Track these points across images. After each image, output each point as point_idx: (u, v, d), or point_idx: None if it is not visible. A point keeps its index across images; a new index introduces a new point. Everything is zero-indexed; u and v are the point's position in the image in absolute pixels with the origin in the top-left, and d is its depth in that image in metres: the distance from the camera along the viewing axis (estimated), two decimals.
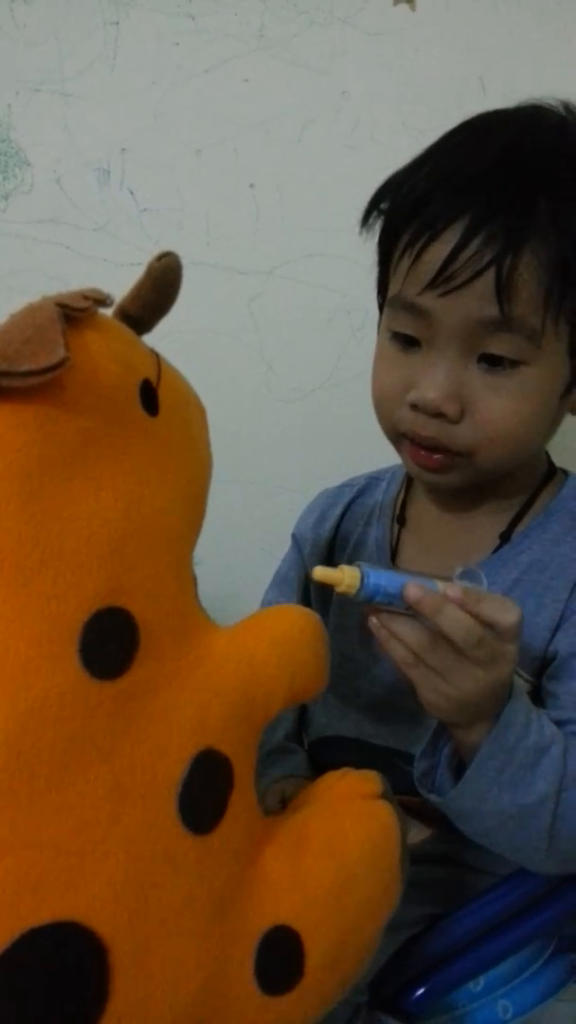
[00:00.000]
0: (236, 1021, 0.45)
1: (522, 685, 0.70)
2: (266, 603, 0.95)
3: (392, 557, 0.81)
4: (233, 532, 1.25)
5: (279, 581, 0.94)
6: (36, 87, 1.14)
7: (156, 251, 1.25)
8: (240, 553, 1.20)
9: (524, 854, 0.64)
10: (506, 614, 0.55)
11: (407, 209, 0.65)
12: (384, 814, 0.54)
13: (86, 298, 0.44)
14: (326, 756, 0.84)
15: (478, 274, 0.60)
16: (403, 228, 0.65)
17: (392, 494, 0.86)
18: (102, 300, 0.45)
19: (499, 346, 0.63)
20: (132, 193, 1.17)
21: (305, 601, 0.90)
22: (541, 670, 0.71)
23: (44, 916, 0.38)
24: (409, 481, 0.85)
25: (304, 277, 1.17)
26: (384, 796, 0.55)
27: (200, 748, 0.45)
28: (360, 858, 0.51)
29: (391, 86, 1.11)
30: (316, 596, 0.88)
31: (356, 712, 0.81)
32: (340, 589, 0.55)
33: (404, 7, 1.09)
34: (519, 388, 0.64)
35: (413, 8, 1.09)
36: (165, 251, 0.52)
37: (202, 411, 0.55)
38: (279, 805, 0.70)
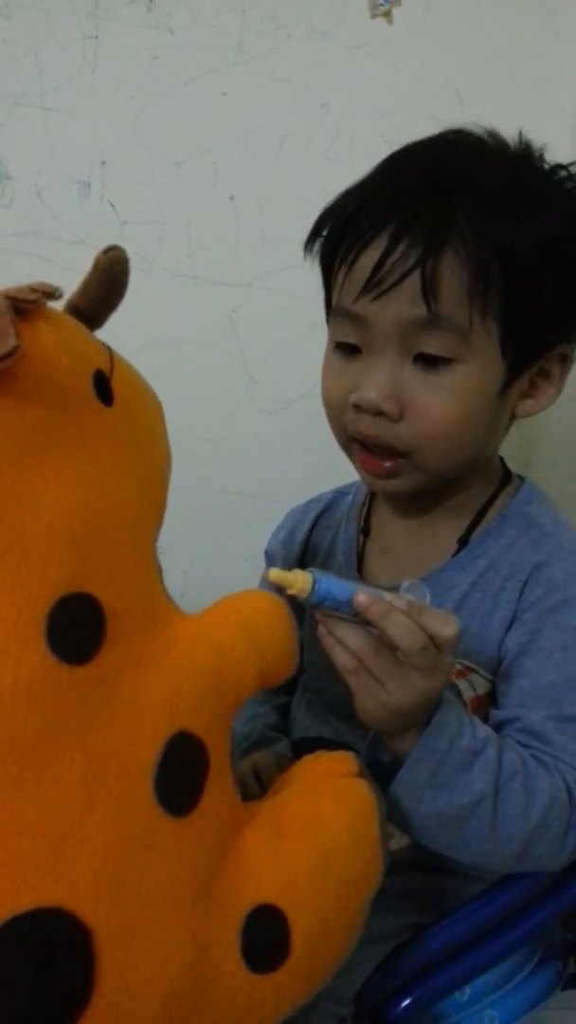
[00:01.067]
0: (226, 1000, 0.45)
1: (478, 682, 0.73)
2: None
3: (358, 565, 0.84)
4: (217, 541, 1.25)
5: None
6: (16, 101, 1.15)
7: (138, 263, 1.25)
8: (225, 562, 1.20)
9: (474, 855, 0.66)
10: (446, 627, 0.58)
11: (340, 227, 0.71)
12: (362, 791, 0.55)
13: (35, 291, 0.45)
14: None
15: (404, 276, 0.64)
16: (338, 244, 0.71)
17: (357, 505, 0.88)
18: (51, 293, 0.46)
19: (431, 344, 0.66)
20: (113, 206, 1.17)
21: None
22: (497, 669, 0.73)
23: (26, 903, 0.38)
24: (372, 494, 0.87)
25: (285, 288, 1.17)
26: (360, 775, 0.56)
27: (174, 731, 0.45)
28: (339, 835, 0.51)
29: (369, 99, 1.11)
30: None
31: (336, 719, 0.82)
32: (291, 592, 0.56)
33: (381, 21, 1.10)
34: (454, 385, 0.67)
35: (390, 22, 1.10)
36: (111, 245, 0.53)
37: (158, 404, 0.55)
38: (253, 779, 0.72)
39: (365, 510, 0.86)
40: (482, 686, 0.73)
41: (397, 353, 0.68)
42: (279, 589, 0.57)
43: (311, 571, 0.57)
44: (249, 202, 1.16)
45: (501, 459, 0.83)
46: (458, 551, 0.77)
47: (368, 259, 0.67)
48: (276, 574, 0.57)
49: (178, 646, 0.48)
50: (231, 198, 1.16)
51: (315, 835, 0.51)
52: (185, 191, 1.16)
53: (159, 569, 0.51)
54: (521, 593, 0.73)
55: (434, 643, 0.57)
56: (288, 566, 0.87)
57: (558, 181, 0.72)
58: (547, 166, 0.73)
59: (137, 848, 0.42)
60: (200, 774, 0.46)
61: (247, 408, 1.23)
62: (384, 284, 0.65)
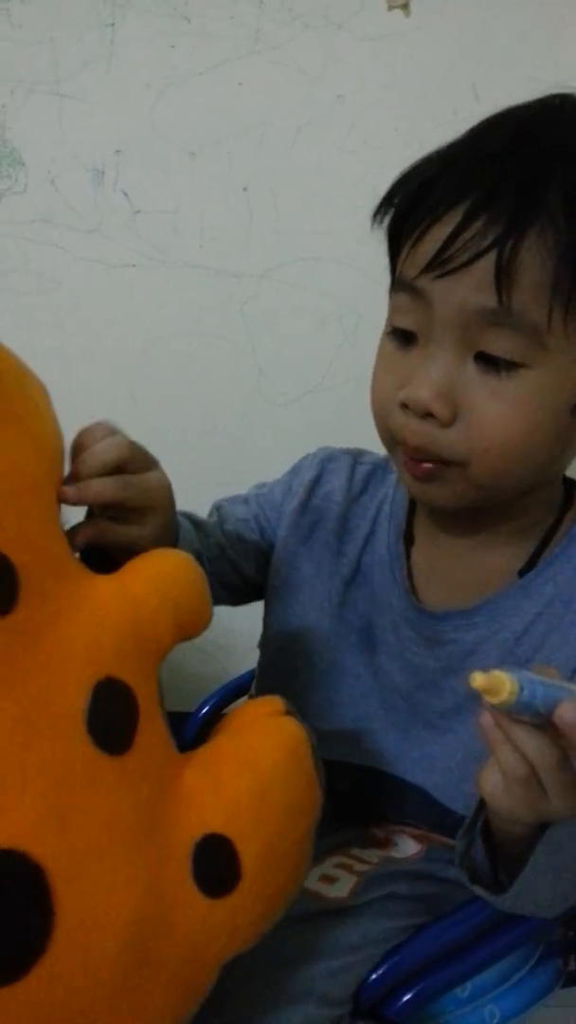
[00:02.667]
0: (184, 926, 0.47)
1: None
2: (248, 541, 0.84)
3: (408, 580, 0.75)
4: None
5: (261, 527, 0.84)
6: (31, 87, 1.14)
7: (150, 253, 1.25)
8: None
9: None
10: None
11: (412, 194, 0.60)
12: (290, 726, 0.57)
13: None
14: None
15: (476, 257, 0.55)
16: (408, 214, 0.61)
17: (401, 501, 0.78)
18: None
19: (497, 344, 0.57)
20: (126, 195, 1.17)
21: (269, 554, 0.83)
22: None
23: None
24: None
25: (297, 280, 1.17)
26: (288, 713, 0.58)
27: (99, 677, 0.48)
28: (274, 766, 0.54)
29: (385, 91, 1.11)
30: (283, 559, 0.81)
31: (333, 725, 0.78)
32: (495, 700, 0.48)
33: (399, 13, 1.09)
34: (520, 394, 0.57)
35: (408, 14, 1.09)
36: None
37: (42, 387, 0.55)
38: None
39: (410, 510, 0.76)
40: None
41: (457, 347, 0.58)
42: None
43: (513, 674, 0.48)
44: (263, 193, 1.15)
45: (565, 478, 0.73)
46: (521, 577, 0.69)
47: (438, 233, 0.57)
48: (481, 681, 0.48)
49: (93, 600, 0.50)
50: (245, 189, 1.15)
51: (250, 769, 0.54)
52: (199, 181, 1.16)
53: (65, 535, 0.53)
54: None
55: None
56: (304, 520, 0.79)
57: None
58: None
59: (77, 787, 0.45)
60: (131, 716, 0.49)
61: (256, 401, 1.22)
62: (452, 263, 0.56)
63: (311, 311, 1.17)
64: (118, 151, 1.16)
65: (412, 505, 0.76)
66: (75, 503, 0.56)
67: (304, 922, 0.65)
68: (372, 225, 0.64)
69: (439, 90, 1.09)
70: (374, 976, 0.70)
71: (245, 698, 1.00)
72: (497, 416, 0.58)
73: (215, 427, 1.24)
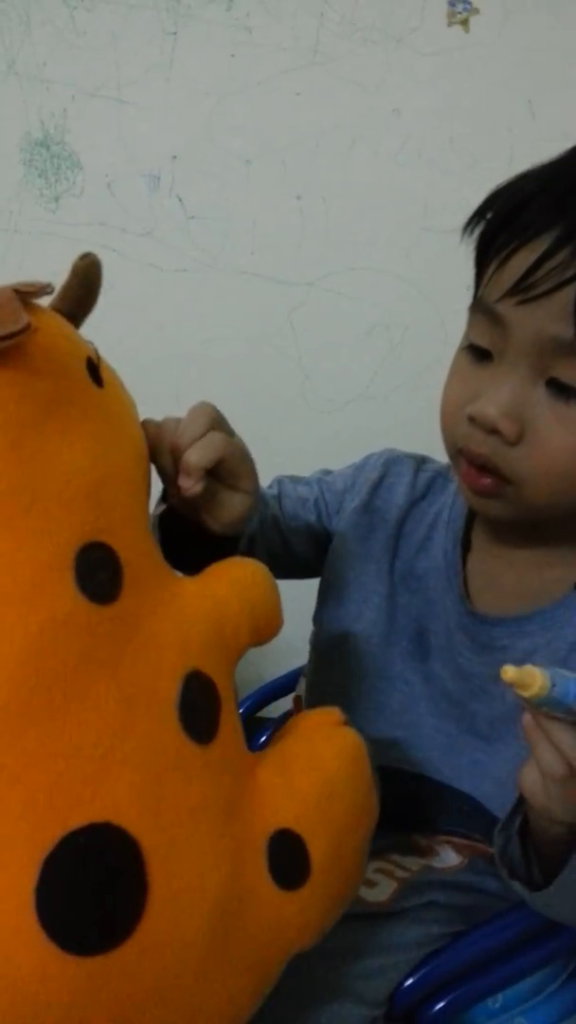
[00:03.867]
0: (259, 915, 0.49)
1: None
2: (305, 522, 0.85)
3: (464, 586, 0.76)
4: None
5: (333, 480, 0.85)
6: (92, 92, 1.17)
7: (202, 258, 1.27)
8: None
9: None
10: None
11: (504, 214, 0.61)
12: (351, 735, 0.59)
13: (31, 285, 0.49)
14: None
15: (559, 287, 0.55)
16: (498, 234, 0.61)
17: (459, 508, 0.79)
18: (43, 288, 0.50)
19: (568, 373, 0.58)
20: (180, 200, 1.19)
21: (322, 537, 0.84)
22: None
23: (79, 819, 0.42)
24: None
25: (346, 290, 1.18)
26: (347, 723, 0.60)
27: (189, 668, 0.50)
28: (339, 770, 0.56)
29: (441, 106, 1.12)
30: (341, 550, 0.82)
31: (382, 730, 0.78)
32: (527, 694, 0.50)
33: (458, 28, 1.10)
34: None
35: (467, 30, 1.10)
36: (86, 252, 0.57)
37: (132, 399, 0.59)
38: None
39: (468, 517, 0.78)
40: None
41: (530, 371, 0.59)
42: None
43: (546, 670, 0.50)
44: (315, 203, 1.16)
45: None
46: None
47: (524, 258, 0.57)
48: (513, 674, 0.50)
49: (182, 598, 0.53)
50: (298, 198, 1.16)
51: (316, 771, 0.55)
52: (253, 189, 1.17)
53: (155, 538, 0.56)
54: None
55: None
56: (364, 520, 0.79)
57: None
58: None
59: (170, 769, 0.47)
60: (215, 709, 0.51)
61: (300, 407, 1.23)
62: (534, 291, 0.57)
63: (358, 320, 1.18)
64: (175, 157, 1.18)
65: (471, 513, 0.76)
66: (198, 463, 0.58)
67: (343, 923, 0.65)
68: (462, 237, 0.65)
69: (495, 107, 1.10)
70: (409, 981, 0.70)
71: (288, 698, 1.01)
72: (561, 441, 0.59)
73: (259, 432, 1.24)
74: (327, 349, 1.21)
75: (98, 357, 0.54)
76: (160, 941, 0.43)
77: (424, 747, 0.70)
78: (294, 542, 0.82)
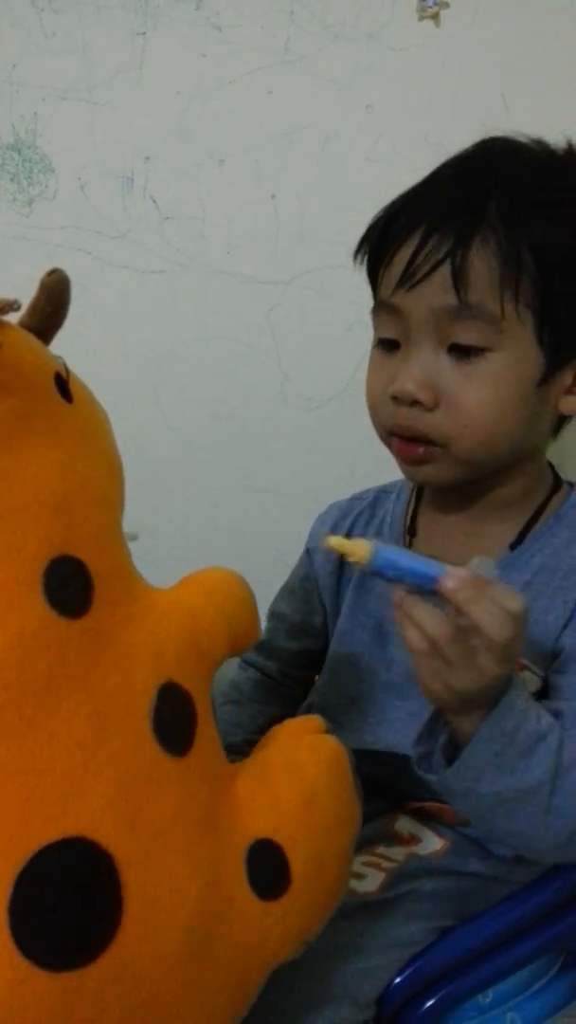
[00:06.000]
0: (240, 925, 0.49)
1: (530, 679, 0.73)
2: (276, 614, 0.96)
3: None
4: (245, 537, 1.26)
5: (287, 592, 0.96)
6: (63, 95, 1.16)
7: (177, 259, 1.26)
8: (253, 558, 1.20)
9: (521, 839, 0.67)
10: (513, 601, 0.57)
11: (380, 229, 0.74)
12: (332, 743, 0.60)
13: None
14: None
15: (435, 267, 0.67)
16: (379, 245, 0.74)
17: (402, 506, 0.89)
18: (10, 304, 0.50)
19: (464, 334, 0.68)
20: (155, 201, 1.18)
21: (316, 614, 0.93)
22: (550, 666, 0.74)
23: (53, 833, 0.42)
24: (418, 494, 0.88)
25: (323, 288, 1.17)
26: (328, 732, 0.62)
27: (163, 680, 0.50)
28: (319, 778, 0.56)
29: (414, 101, 1.11)
30: (330, 606, 0.91)
31: (355, 719, 0.84)
32: (352, 560, 0.58)
33: (429, 23, 1.10)
34: (488, 374, 0.69)
35: (438, 24, 1.10)
36: (54, 268, 0.58)
37: (105, 414, 0.60)
38: None
39: (411, 510, 0.87)
40: (534, 683, 0.74)
41: (432, 344, 0.70)
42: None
43: (370, 540, 0.59)
44: (290, 201, 1.16)
45: (552, 466, 0.84)
46: (511, 551, 0.78)
47: (403, 254, 0.70)
48: (336, 541, 0.58)
49: (156, 610, 0.53)
50: (272, 196, 1.16)
51: (296, 780, 0.56)
52: (227, 189, 1.17)
53: (128, 551, 0.56)
54: None
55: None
56: (330, 560, 0.90)
57: None
58: None
59: (144, 781, 0.47)
60: (190, 721, 0.51)
61: (280, 406, 1.23)
62: (417, 276, 0.68)
63: (337, 318, 1.18)
64: (147, 158, 1.17)
65: (414, 507, 0.87)
66: None
67: (336, 919, 0.66)
68: (355, 263, 0.78)
69: (468, 101, 1.10)
70: (398, 980, 0.70)
71: None
72: (472, 396, 0.69)
73: (240, 432, 1.25)
74: (306, 348, 1.20)
75: (67, 372, 0.55)
76: (137, 955, 0.43)
77: (393, 728, 0.74)
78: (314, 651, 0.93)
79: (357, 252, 0.78)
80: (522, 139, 0.75)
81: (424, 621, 0.58)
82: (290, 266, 1.18)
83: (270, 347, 1.21)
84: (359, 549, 0.58)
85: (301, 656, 0.94)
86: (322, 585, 0.92)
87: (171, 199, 1.18)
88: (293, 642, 0.94)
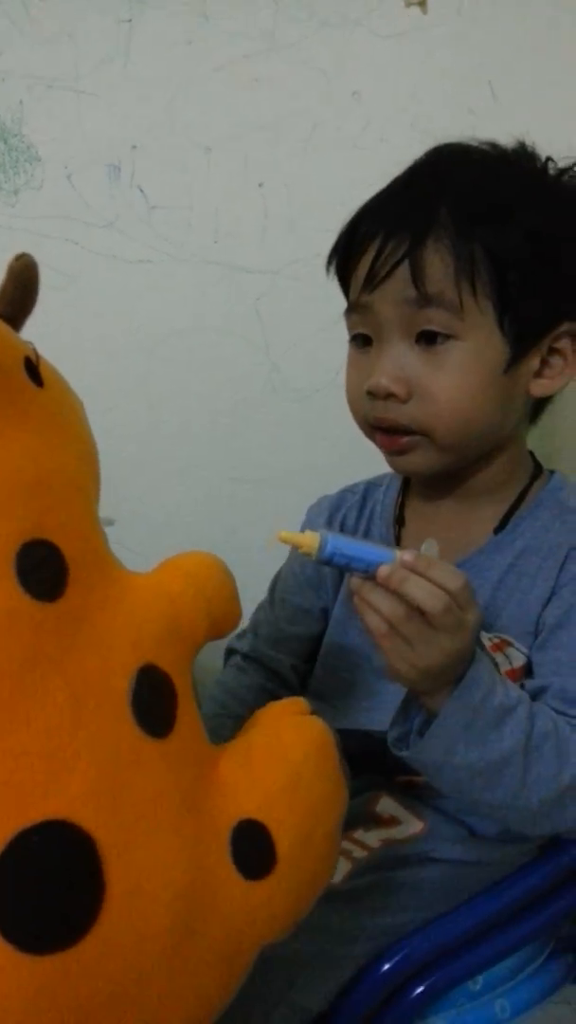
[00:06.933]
0: (225, 906, 0.49)
1: (515, 655, 0.77)
2: (280, 602, 0.98)
3: None
4: (236, 528, 1.25)
5: (291, 580, 0.97)
6: (49, 84, 1.15)
7: (165, 248, 1.26)
8: (242, 549, 1.20)
9: (502, 811, 0.69)
10: (453, 580, 0.62)
11: (344, 239, 0.81)
12: (317, 724, 0.60)
13: None
14: None
15: (394, 267, 0.73)
16: (345, 255, 0.81)
17: (391, 497, 0.92)
18: None
19: (429, 321, 0.73)
20: (142, 190, 1.17)
21: (324, 600, 0.95)
22: (533, 642, 0.77)
23: (33, 816, 0.42)
24: (405, 485, 0.91)
25: (311, 277, 1.16)
26: (313, 713, 0.62)
27: (141, 663, 0.50)
28: (304, 760, 0.57)
29: (401, 88, 1.11)
30: (332, 592, 0.94)
31: (348, 701, 0.87)
32: (302, 550, 0.62)
33: (416, 10, 1.10)
34: (455, 362, 0.73)
35: (425, 11, 1.10)
36: (21, 253, 0.58)
37: (79, 399, 0.60)
38: None
39: (399, 501, 0.91)
40: (518, 659, 0.77)
41: (400, 337, 0.74)
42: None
43: (320, 531, 0.62)
44: (278, 189, 1.16)
45: (532, 454, 0.87)
46: (495, 535, 0.81)
47: (366, 260, 0.75)
48: (286, 534, 0.62)
49: (133, 593, 0.53)
50: (260, 185, 1.16)
51: (281, 761, 0.56)
52: (214, 177, 1.16)
53: (104, 535, 0.56)
54: (559, 571, 0.77)
55: (451, 598, 0.61)
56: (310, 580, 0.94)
57: (550, 175, 0.78)
58: (540, 164, 0.79)
59: (125, 763, 0.47)
60: (171, 702, 0.51)
61: (269, 396, 1.23)
62: (378, 276, 0.74)
63: (325, 307, 1.17)
64: (134, 147, 1.17)
65: (402, 497, 0.91)
66: None
67: None
68: (327, 272, 0.84)
69: (455, 87, 1.10)
70: (387, 966, 0.70)
71: None
72: (442, 384, 0.73)
73: (228, 422, 1.25)
74: (295, 337, 1.20)
75: (37, 357, 0.55)
76: (120, 937, 0.43)
77: (384, 709, 0.74)
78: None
79: (328, 263, 0.84)
80: (473, 143, 0.80)
81: (379, 604, 0.62)
82: (278, 255, 1.17)
83: (258, 337, 1.20)
84: (309, 540, 0.61)
85: (308, 643, 0.95)
86: (329, 572, 0.93)
87: (158, 188, 1.17)
88: (298, 627, 0.95)
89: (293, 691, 0.95)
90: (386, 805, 0.83)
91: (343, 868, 0.76)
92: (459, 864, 0.78)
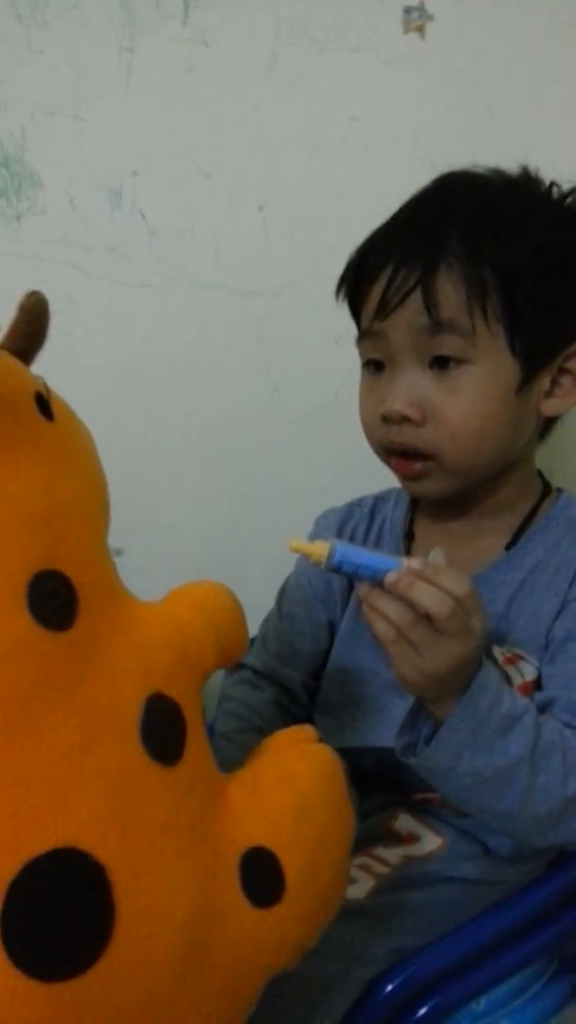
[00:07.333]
0: (234, 933, 0.49)
1: (527, 669, 0.78)
2: (289, 616, 0.97)
3: None
4: (237, 548, 1.26)
5: (297, 596, 0.97)
6: (51, 111, 1.17)
7: (166, 272, 1.27)
8: (243, 568, 1.21)
9: (503, 820, 0.70)
10: (460, 585, 0.62)
11: (355, 268, 0.82)
12: (325, 752, 0.61)
13: None
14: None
15: (407, 295, 0.74)
16: (356, 283, 0.82)
17: (400, 512, 0.93)
18: None
19: (442, 347, 0.74)
20: (143, 215, 1.19)
21: (333, 614, 0.95)
22: (544, 656, 0.78)
23: (43, 845, 0.42)
24: (414, 501, 0.92)
25: (311, 299, 1.18)
26: (320, 741, 0.63)
27: (150, 691, 0.51)
28: (312, 788, 0.57)
29: (400, 112, 1.13)
30: (342, 607, 0.94)
31: (358, 718, 0.87)
32: (313, 559, 0.63)
33: (415, 35, 1.11)
34: (468, 386, 0.74)
35: (423, 36, 1.11)
36: (33, 290, 0.59)
37: (88, 432, 0.61)
38: None
39: (408, 516, 0.92)
40: (531, 673, 0.78)
41: (414, 362, 0.76)
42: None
43: (329, 539, 0.64)
44: (278, 213, 1.17)
45: (540, 473, 0.88)
46: (508, 551, 0.83)
47: (378, 289, 0.76)
48: (296, 543, 0.63)
49: (142, 622, 0.54)
50: (260, 209, 1.17)
51: (289, 788, 0.57)
52: (215, 202, 1.18)
53: (113, 565, 0.57)
54: (569, 586, 0.79)
55: (457, 604, 0.62)
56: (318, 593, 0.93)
57: (554, 198, 0.80)
58: (544, 188, 0.80)
59: (134, 791, 0.47)
60: (180, 730, 0.52)
61: (270, 417, 1.24)
62: (391, 304, 0.75)
63: (326, 329, 1.18)
64: (135, 173, 1.18)
65: (411, 513, 0.92)
66: None
67: None
68: (336, 300, 0.85)
69: (454, 111, 1.11)
70: (389, 988, 0.70)
71: None
72: (455, 406, 0.74)
73: (230, 442, 1.25)
74: (295, 359, 1.21)
75: (48, 392, 0.56)
76: (130, 964, 0.43)
77: (397, 724, 0.74)
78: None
79: (337, 291, 0.85)
80: (479, 170, 0.81)
81: (387, 610, 0.63)
82: (278, 278, 1.19)
83: (259, 358, 1.22)
84: (318, 548, 0.63)
85: (317, 658, 0.95)
86: (337, 587, 0.94)
87: (159, 213, 1.18)
88: (308, 643, 0.95)
89: (303, 707, 0.95)
90: (404, 822, 0.84)
91: (366, 885, 0.77)
92: (473, 884, 0.78)
